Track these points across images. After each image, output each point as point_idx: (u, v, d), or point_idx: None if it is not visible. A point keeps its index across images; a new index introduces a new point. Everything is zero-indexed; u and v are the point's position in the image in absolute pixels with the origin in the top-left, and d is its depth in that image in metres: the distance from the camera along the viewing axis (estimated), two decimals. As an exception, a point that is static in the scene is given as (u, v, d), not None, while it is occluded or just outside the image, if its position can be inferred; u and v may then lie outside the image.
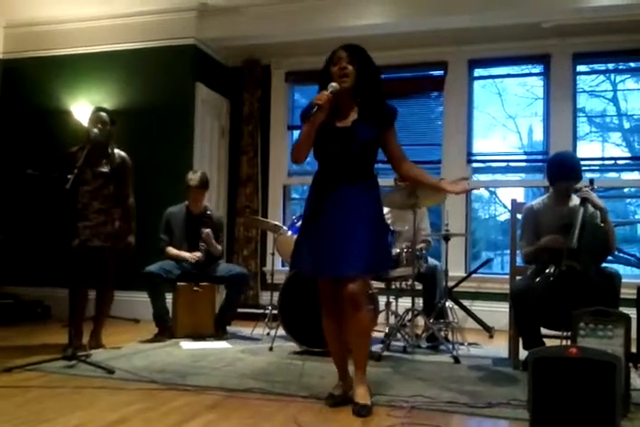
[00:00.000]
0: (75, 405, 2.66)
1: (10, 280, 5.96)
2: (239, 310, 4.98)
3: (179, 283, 4.66)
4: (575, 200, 3.65)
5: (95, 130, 3.95)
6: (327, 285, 2.75)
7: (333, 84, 2.61)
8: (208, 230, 4.70)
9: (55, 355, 3.41)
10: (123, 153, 4.17)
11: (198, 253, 4.68)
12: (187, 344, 4.31)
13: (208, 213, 4.89)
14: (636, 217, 6.72)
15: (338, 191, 2.69)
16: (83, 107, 6.08)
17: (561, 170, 3.72)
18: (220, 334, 4.65)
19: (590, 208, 3.49)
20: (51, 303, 5.78)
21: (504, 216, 7.28)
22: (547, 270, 3.42)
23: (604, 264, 3.56)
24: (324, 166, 2.77)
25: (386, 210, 4.65)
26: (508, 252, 4.28)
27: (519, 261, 3.95)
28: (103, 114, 4.12)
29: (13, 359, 3.45)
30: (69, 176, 3.53)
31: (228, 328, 4.79)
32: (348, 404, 2.66)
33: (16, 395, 2.79)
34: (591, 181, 3.62)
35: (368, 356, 2.81)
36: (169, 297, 4.67)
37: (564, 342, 3.44)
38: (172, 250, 4.76)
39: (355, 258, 2.58)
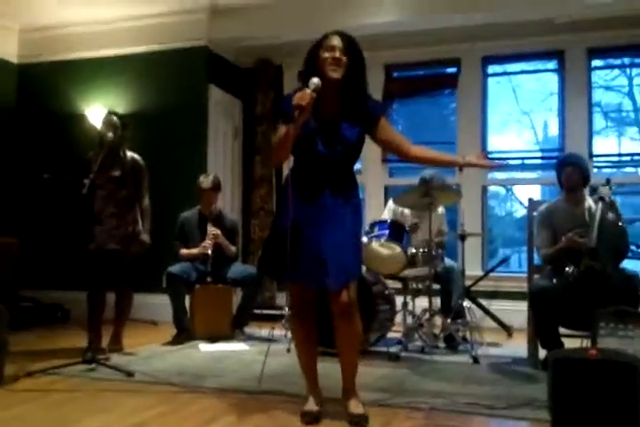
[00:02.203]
0: (95, 408, 2.68)
1: (29, 284, 6.00)
2: (256, 311, 5.00)
3: (196, 285, 4.68)
4: (589, 202, 3.64)
5: (110, 134, 3.96)
6: (308, 292, 2.58)
7: (315, 80, 2.41)
8: (216, 231, 4.71)
9: (75, 359, 3.43)
10: (136, 155, 4.17)
11: (205, 243, 4.68)
12: (205, 346, 4.32)
13: (222, 215, 4.90)
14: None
15: (321, 197, 2.52)
16: (97, 110, 6.11)
17: (560, 159, 3.91)
18: (237, 335, 4.67)
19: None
20: (70, 307, 5.82)
21: (521, 213, 7.24)
22: (566, 270, 3.39)
23: (625, 261, 3.53)
24: (304, 166, 2.59)
25: (407, 211, 4.65)
26: (525, 249, 4.26)
27: (537, 259, 3.93)
28: (115, 118, 4.12)
29: (34, 363, 3.48)
30: (85, 181, 3.56)
31: (246, 330, 4.81)
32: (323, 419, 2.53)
33: (37, 399, 2.82)
34: (608, 180, 3.59)
35: (357, 366, 2.67)
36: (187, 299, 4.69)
37: (583, 342, 3.42)
38: (184, 251, 4.78)
39: (341, 271, 2.45)
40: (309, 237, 2.48)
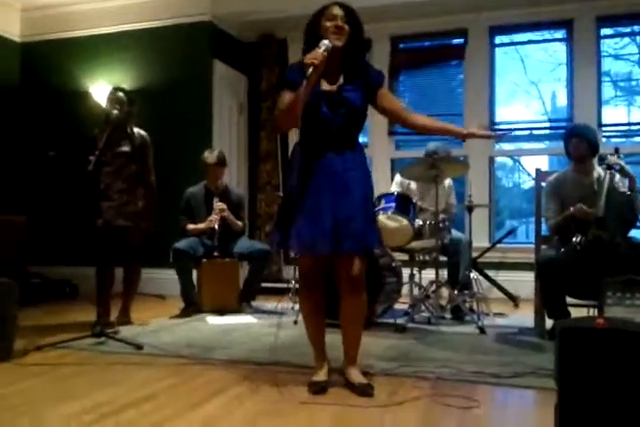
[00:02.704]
0: (105, 381, 2.70)
1: (37, 260, 6.06)
2: (263, 284, 5.02)
3: (203, 259, 4.70)
4: (598, 171, 3.61)
5: (115, 111, 3.95)
6: (317, 263, 2.57)
7: (325, 41, 2.43)
8: (222, 206, 4.71)
9: (84, 332, 3.46)
10: (142, 132, 4.17)
11: (211, 218, 4.69)
12: (213, 319, 4.36)
13: (228, 190, 4.90)
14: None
15: (327, 162, 2.52)
16: (101, 87, 6.09)
17: (568, 130, 3.88)
18: (244, 308, 4.70)
19: (616, 177, 3.43)
20: (78, 282, 5.88)
21: (528, 184, 7.20)
22: (573, 240, 3.38)
23: (632, 232, 3.51)
24: (310, 132, 2.58)
25: (413, 184, 4.64)
26: (533, 220, 4.24)
27: (544, 230, 3.92)
28: (121, 94, 4.10)
29: (43, 338, 3.52)
30: (91, 158, 3.55)
31: (253, 303, 4.84)
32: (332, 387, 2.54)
33: (47, 372, 2.85)
34: (616, 149, 3.55)
35: (360, 338, 2.67)
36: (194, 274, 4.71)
37: (590, 312, 3.42)
38: (190, 226, 4.79)
39: (354, 238, 2.45)
40: (320, 204, 2.48)
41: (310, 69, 2.37)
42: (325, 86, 2.56)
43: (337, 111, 2.53)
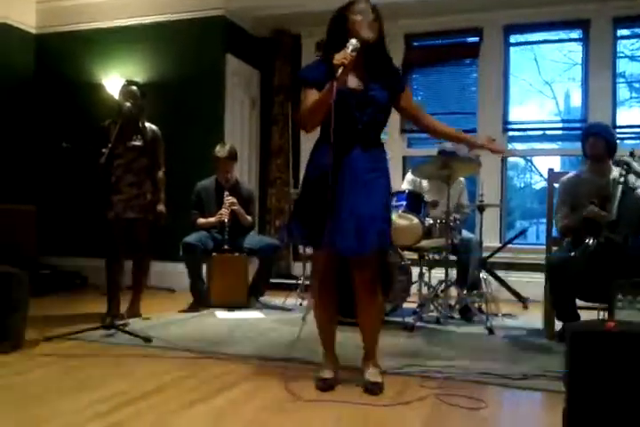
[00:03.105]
0: (114, 373, 2.72)
1: (48, 251, 6.09)
2: (272, 280, 5.02)
3: (213, 253, 4.71)
4: (614, 172, 3.56)
5: (127, 104, 3.96)
6: (332, 260, 2.55)
7: (353, 41, 2.37)
8: (233, 199, 4.72)
9: (94, 324, 3.48)
10: (154, 126, 4.19)
11: (221, 211, 4.70)
12: (221, 314, 4.37)
13: (239, 184, 4.91)
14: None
15: (352, 160, 2.49)
16: (114, 80, 6.11)
17: (586, 129, 3.79)
18: (253, 304, 4.71)
19: (631, 179, 3.40)
20: (88, 274, 5.91)
21: (540, 185, 7.18)
22: (585, 242, 3.35)
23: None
24: (336, 131, 2.44)
25: (425, 182, 4.63)
26: (544, 221, 4.21)
27: (555, 231, 3.89)
28: (134, 88, 4.12)
29: (53, 328, 3.54)
30: (103, 150, 3.57)
31: (261, 298, 4.85)
32: (339, 385, 2.55)
33: (57, 363, 2.87)
34: (631, 152, 3.51)
35: (378, 336, 2.68)
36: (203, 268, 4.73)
37: (599, 315, 3.40)
38: (201, 220, 4.81)
39: (377, 235, 2.45)
40: (343, 202, 2.46)
41: (340, 70, 2.34)
42: (351, 83, 2.52)
43: (364, 110, 2.51)
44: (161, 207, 4.17)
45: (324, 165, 2.43)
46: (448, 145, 4.44)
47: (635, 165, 3.35)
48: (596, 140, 3.63)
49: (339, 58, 2.35)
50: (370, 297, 2.56)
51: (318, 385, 2.52)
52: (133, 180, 4.07)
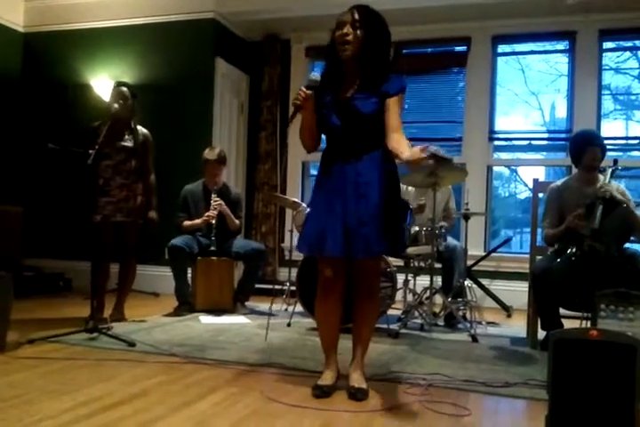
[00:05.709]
0: (97, 377, 2.70)
1: (32, 253, 6.04)
2: (257, 285, 5.01)
3: (198, 257, 4.69)
4: (600, 182, 3.60)
5: (116, 105, 3.96)
6: (337, 267, 2.54)
7: (312, 76, 2.46)
8: (220, 201, 4.72)
9: (77, 327, 3.46)
10: (145, 130, 4.18)
11: (208, 212, 4.68)
12: (206, 319, 4.36)
13: (226, 188, 4.90)
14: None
15: (346, 167, 2.50)
16: (103, 81, 6.09)
17: (584, 137, 3.72)
18: (238, 309, 4.70)
19: (615, 187, 3.44)
20: (72, 276, 5.86)
21: (524, 194, 7.22)
22: (568, 251, 3.39)
23: (627, 245, 3.52)
24: (330, 141, 2.62)
25: (411, 188, 4.65)
26: (528, 230, 4.25)
27: (539, 240, 3.93)
28: (124, 89, 4.11)
29: (36, 331, 3.51)
30: (91, 151, 3.55)
31: (247, 304, 4.83)
32: (336, 392, 2.55)
33: (39, 366, 2.84)
34: (615, 160, 3.57)
35: (369, 342, 2.70)
36: (189, 272, 4.71)
37: (583, 323, 3.43)
38: (187, 222, 4.79)
39: (366, 241, 2.42)
40: (331, 209, 2.49)
41: (293, 111, 2.46)
42: (344, 94, 2.53)
43: (346, 120, 2.51)
44: (152, 214, 4.15)
45: (326, 174, 2.56)
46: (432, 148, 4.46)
47: (615, 194, 3.40)
48: (597, 151, 3.62)
49: (294, 99, 2.46)
50: (365, 299, 2.59)
51: (315, 391, 2.51)
52: (123, 182, 4.04)
